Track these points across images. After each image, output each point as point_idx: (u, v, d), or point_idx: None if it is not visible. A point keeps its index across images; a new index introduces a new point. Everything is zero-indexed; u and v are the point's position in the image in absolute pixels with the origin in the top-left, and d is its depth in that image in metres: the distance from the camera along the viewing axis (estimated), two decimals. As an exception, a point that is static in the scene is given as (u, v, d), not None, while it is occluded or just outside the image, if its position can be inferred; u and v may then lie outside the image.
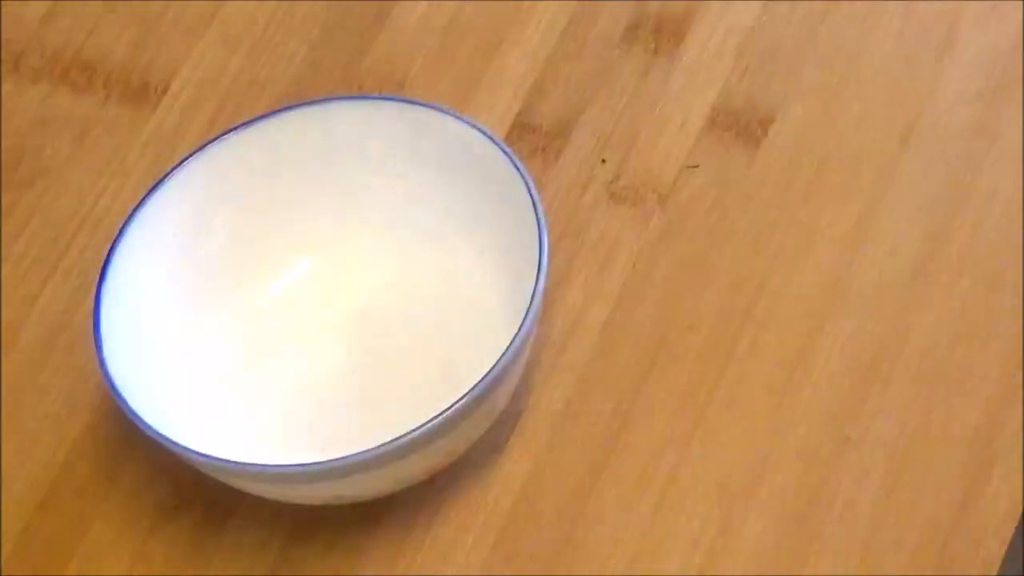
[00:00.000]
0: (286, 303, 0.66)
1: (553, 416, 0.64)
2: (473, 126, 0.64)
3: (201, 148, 0.65)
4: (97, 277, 0.62)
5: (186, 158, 0.65)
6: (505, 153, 0.62)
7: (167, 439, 0.58)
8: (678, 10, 0.72)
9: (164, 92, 0.73)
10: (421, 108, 0.65)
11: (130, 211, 0.63)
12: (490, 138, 0.63)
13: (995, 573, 0.60)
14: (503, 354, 0.58)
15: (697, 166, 0.69)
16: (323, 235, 0.67)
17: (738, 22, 0.72)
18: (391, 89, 0.71)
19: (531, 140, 0.70)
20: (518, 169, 0.62)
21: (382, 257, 0.67)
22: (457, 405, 0.57)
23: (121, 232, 0.63)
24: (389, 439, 0.57)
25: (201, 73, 0.73)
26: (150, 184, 0.64)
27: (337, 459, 0.57)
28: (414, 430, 0.57)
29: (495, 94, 0.71)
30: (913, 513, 0.62)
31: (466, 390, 0.57)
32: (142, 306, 0.63)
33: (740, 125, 0.70)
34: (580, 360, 0.65)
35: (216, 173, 0.65)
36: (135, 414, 0.58)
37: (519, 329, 0.58)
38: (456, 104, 0.69)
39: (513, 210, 0.62)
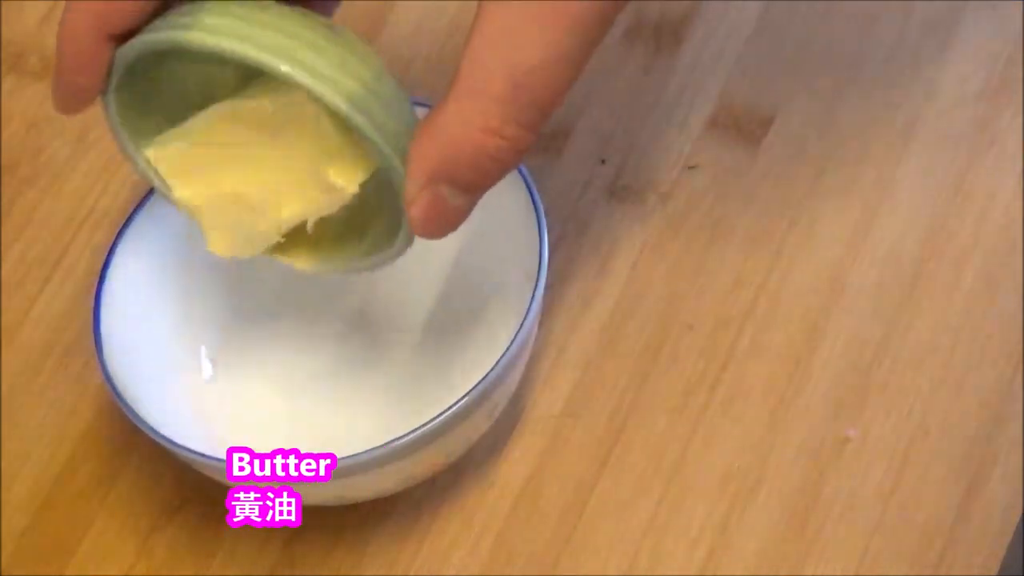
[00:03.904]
0: (286, 303, 0.66)
1: (553, 416, 0.64)
2: (473, 126, 0.64)
3: (201, 148, 0.65)
4: (97, 277, 0.62)
5: (186, 158, 0.65)
6: (505, 153, 0.62)
7: (167, 439, 0.58)
8: (678, 10, 0.72)
9: (164, 92, 0.73)
10: (421, 108, 0.65)
11: (130, 211, 0.63)
12: (490, 138, 0.63)
13: (995, 573, 0.61)
14: (503, 354, 0.58)
15: (697, 166, 0.69)
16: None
17: (738, 22, 0.72)
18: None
19: (531, 140, 0.70)
20: (518, 169, 0.62)
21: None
22: (457, 405, 0.57)
23: (121, 232, 0.63)
24: (389, 439, 0.57)
25: (201, 73, 0.73)
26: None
27: (337, 459, 0.57)
28: (414, 430, 0.57)
29: (495, 94, 0.71)
30: (913, 513, 0.62)
31: (466, 390, 0.57)
32: (142, 306, 0.63)
33: (740, 125, 0.70)
34: (580, 360, 0.65)
35: (216, 173, 0.65)
36: (135, 414, 0.58)
37: (519, 329, 0.58)
38: (456, 104, 0.69)
39: (513, 210, 0.62)
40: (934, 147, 0.68)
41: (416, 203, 0.50)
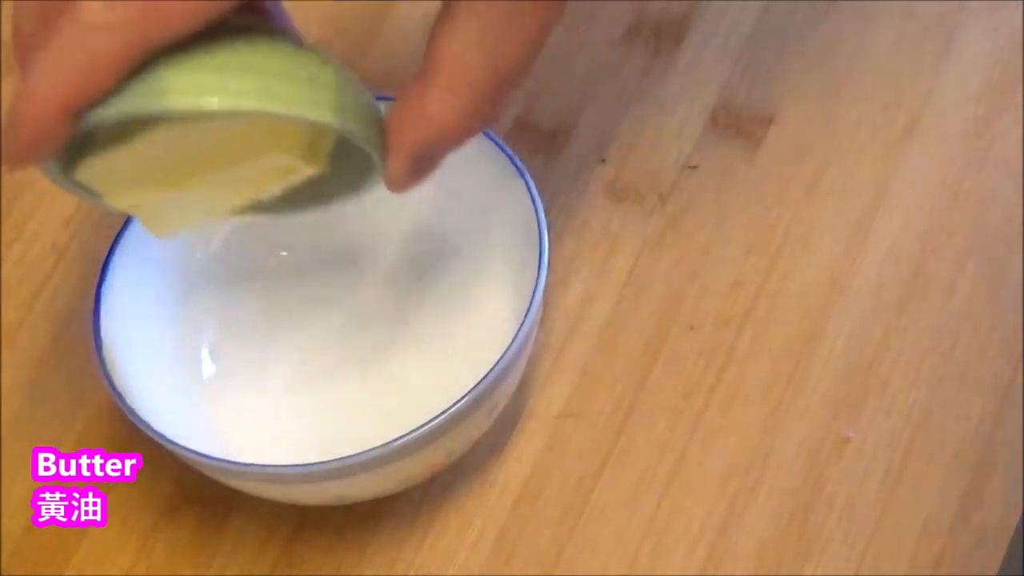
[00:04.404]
0: (286, 302, 0.66)
1: (553, 416, 0.64)
2: (473, 126, 0.64)
3: (201, 148, 0.65)
4: (97, 277, 0.62)
5: (186, 158, 0.65)
6: (505, 153, 0.62)
7: (167, 439, 0.58)
8: (678, 10, 0.72)
9: (164, 92, 0.72)
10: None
11: (130, 211, 0.63)
12: (490, 137, 0.63)
13: (995, 573, 0.61)
14: (503, 354, 0.58)
15: (697, 166, 0.69)
16: (322, 234, 0.67)
17: (738, 22, 0.72)
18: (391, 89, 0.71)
19: (531, 140, 0.70)
20: (518, 169, 0.62)
21: (381, 257, 0.67)
22: (457, 405, 0.57)
23: (121, 232, 0.63)
24: (389, 439, 0.57)
25: (201, 73, 0.73)
26: (150, 184, 0.64)
27: (337, 459, 0.57)
28: (414, 430, 0.57)
29: (495, 94, 0.71)
30: (913, 513, 0.62)
31: (466, 390, 0.57)
32: (142, 306, 0.63)
33: (740, 125, 0.70)
34: (580, 360, 0.65)
35: (216, 173, 0.65)
36: (135, 414, 0.58)
37: (519, 329, 0.58)
38: (456, 104, 0.69)
39: (513, 210, 0.62)
40: (934, 147, 0.68)
41: (398, 175, 0.54)
